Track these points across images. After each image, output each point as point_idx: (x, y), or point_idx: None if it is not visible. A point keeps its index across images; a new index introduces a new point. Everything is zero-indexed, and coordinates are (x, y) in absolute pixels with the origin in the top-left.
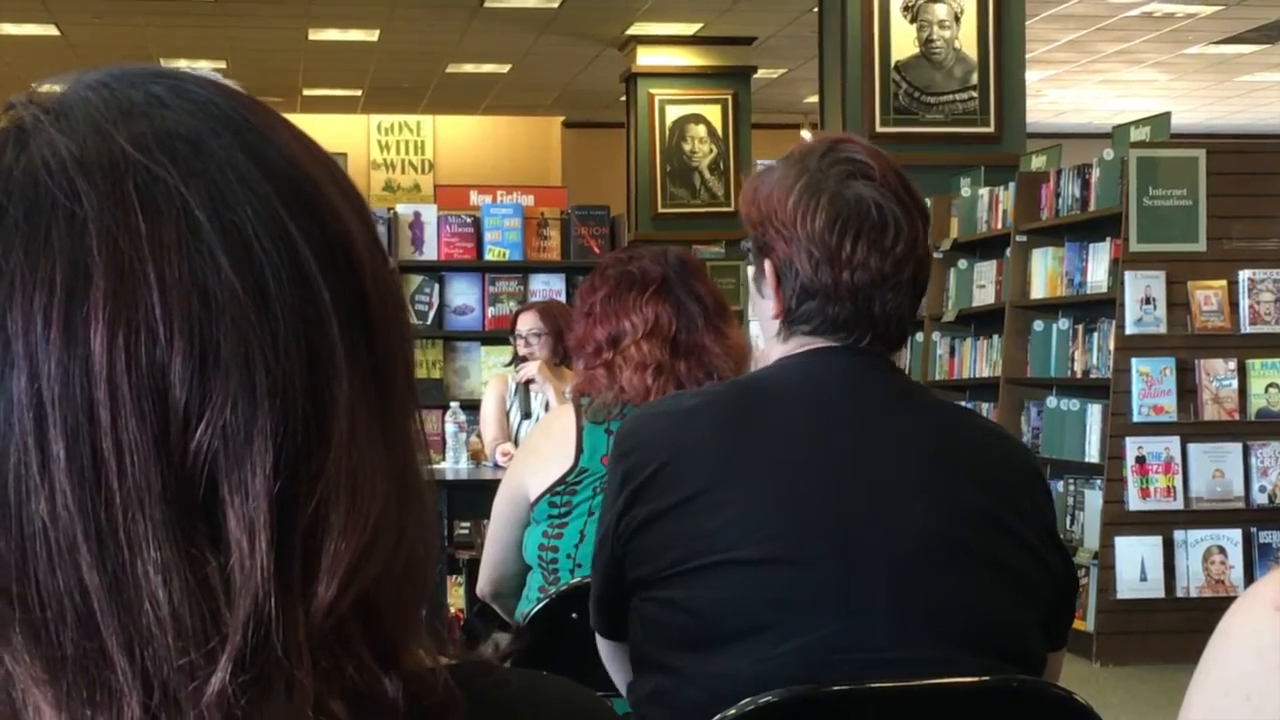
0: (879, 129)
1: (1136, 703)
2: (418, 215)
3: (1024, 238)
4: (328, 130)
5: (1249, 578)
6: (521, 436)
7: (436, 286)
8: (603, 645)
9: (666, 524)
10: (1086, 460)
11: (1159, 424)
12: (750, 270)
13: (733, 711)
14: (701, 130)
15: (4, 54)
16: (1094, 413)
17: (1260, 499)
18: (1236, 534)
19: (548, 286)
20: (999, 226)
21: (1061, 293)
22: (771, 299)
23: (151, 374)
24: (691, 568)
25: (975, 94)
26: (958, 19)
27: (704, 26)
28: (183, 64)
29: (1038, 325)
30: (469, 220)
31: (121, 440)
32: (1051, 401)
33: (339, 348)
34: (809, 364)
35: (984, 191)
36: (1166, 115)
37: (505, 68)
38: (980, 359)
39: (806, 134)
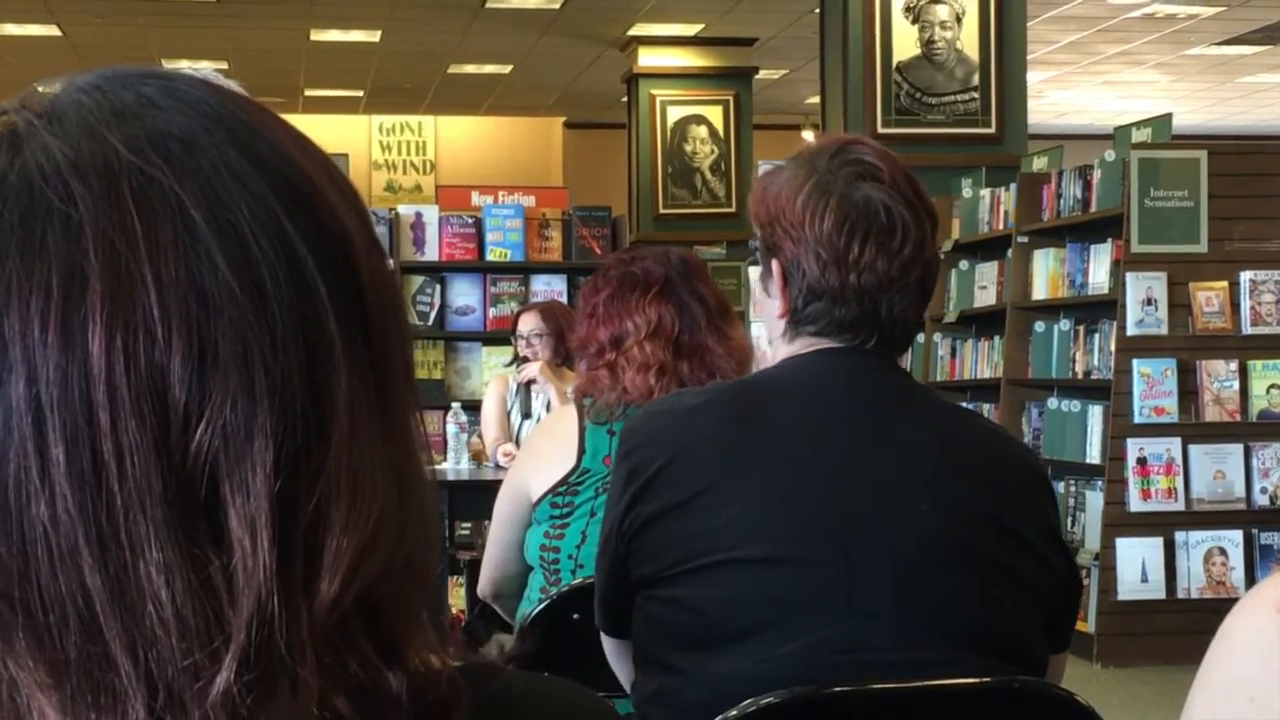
0: (880, 130)
1: (1137, 704)
2: (419, 216)
3: (1025, 239)
4: (329, 131)
5: (1250, 579)
6: (522, 437)
7: (438, 287)
8: (608, 644)
9: (670, 523)
10: (1087, 461)
11: (1160, 425)
12: (757, 270)
13: (734, 712)
14: (703, 131)
15: (6, 54)
16: (1095, 414)
17: (1261, 500)
18: (1238, 535)
19: (549, 287)
20: (1000, 227)
21: (1063, 294)
22: (778, 299)
23: (150, 375)
24: (694, 567)
25: (977, 95)
26: (959, 20)
27: (705, 27)
28: (184, 64)
29: (1039, 326)
30: (470, 221)
31: (121, 442)
32: (1052, 402)
33: (337, 345)
34: (814, 364)
35: (985, 192)
36: (1168, 116)
37: (507, 68)
38: (981, 360)
39: (808, 135)
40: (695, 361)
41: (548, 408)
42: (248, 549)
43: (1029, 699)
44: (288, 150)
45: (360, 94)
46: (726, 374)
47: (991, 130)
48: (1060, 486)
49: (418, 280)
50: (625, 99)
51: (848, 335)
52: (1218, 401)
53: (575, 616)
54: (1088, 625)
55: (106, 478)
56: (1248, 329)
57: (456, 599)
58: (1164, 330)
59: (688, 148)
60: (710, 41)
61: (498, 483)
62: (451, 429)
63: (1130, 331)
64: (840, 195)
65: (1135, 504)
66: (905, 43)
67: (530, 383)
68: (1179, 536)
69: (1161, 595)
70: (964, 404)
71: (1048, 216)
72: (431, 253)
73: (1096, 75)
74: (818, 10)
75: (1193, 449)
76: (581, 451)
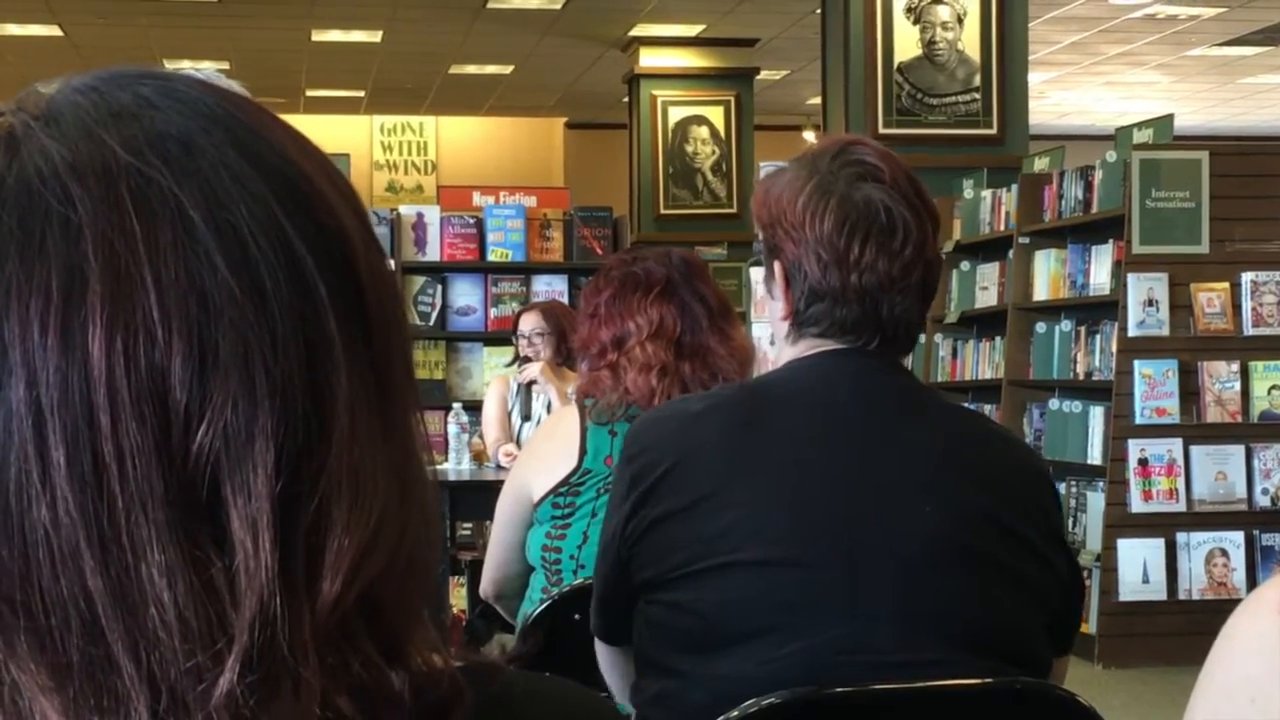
0: (881, 130)
1: (1139, 705)
2: (420, 216)
3: (1026, 239)
4: (330, 131)
5: (1251, 580)
6: (523, 438)
7: (439, 287)
8: (601, 652)
9: (673, 526)
10: (1089, 462)
11: (1161, 426)
12: (760, 272)
13: (735, 713)
14: (704, 132)
15: (7, 54)
16: (1096, 415)
17: (1263, 501)
18: (1239, 536)
19: (550, 287)
20: (1001, 228)
21: (1064, 294)
22: (781, 300)
23: (151, 377)
24: (698, 570)
25: (978, 96)
26: (960, 21)
27: (706, 28)
28: (186, 65)
29: (1040, 327)
30: (471, 221)
31: (122, 444)
32: (1054, 403)
33: (337, 344)
34: (817, 367)
35: (986, 193)
36: (1169, 117)
37: (508, 69)
38: (982, 361)
39: (809, 135)
40: (697, 362)
41: (548, 408)
42: (250, 550)
43: (1031, 700)
44: (286, 150)
45: (361, 94)
46: (728, 375)
47: (993, 131)
48: (1061, 487)
49: (419, 280)
50: (626, 99)
51: (850, 336)
52: (1219, 402)
53: (577, 617)
54: (1089, 626)
55: (108, 480)
56: (1249, 330)
57: (458, 599)
58: (1165, 331)
59: (689, 148)
60: (711, 42)
61: (499, 483)
62: (453, 429)
63: (1131, 332)
64: (841, 196)
65: (1136, 505)
66: (906, 43)
67: (531, 384)
68: (1180, 537)
69: (1163, 596)
70: (965, 405)
71: (1049, 217)
72: (433, 253)
73: (1098, 76)
74: (819, 11)
75: (1194, 450)
76: (583, 452)
